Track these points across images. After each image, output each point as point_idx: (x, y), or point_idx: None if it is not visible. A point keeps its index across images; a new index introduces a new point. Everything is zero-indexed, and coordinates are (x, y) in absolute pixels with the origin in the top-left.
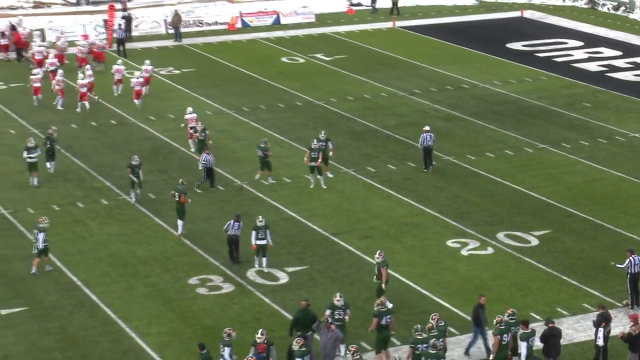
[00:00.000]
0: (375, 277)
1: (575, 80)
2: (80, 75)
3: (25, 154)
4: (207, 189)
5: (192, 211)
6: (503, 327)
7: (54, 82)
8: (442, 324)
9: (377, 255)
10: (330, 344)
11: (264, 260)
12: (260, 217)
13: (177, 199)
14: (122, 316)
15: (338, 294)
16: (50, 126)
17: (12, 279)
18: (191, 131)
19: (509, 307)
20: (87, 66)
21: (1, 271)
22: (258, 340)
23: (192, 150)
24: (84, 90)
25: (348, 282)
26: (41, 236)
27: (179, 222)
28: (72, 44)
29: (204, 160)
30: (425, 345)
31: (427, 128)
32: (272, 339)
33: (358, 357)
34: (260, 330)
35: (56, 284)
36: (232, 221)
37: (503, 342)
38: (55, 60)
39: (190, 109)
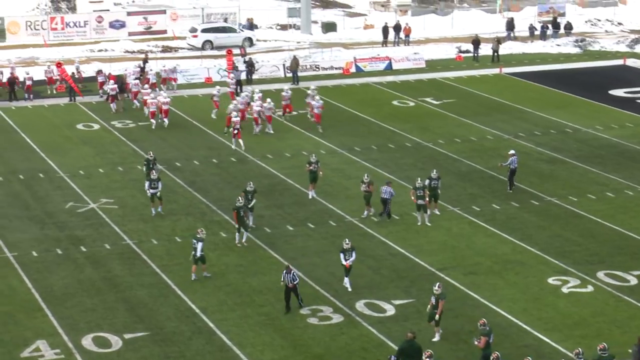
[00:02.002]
0: (431, 306)
1: None
2: (164, 94)
3: (146, 185)
4: (322, 223)
5: (306, 245)
6: (581, 358)
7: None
8: (488, 329)
9: (436, 288)
10: None
11: (346, 279)
12: (347, 239)
13: (241, 214)
14: (237, 343)
15: (428, 352)
16: (175, 163)
17: (135, 305)
18: (235, 132)
19: (609, 343)
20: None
21: (126, 297)
22: None
23: (234, 147)
24: (166, 107)
25: (452, 316)
26: (200, 245)
27: (245, 233)
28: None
29: (383, 193)
30: None
31: (512, 152)
32: None
33: None
34: None
35: (176, 311)
36: (284, 272)
37: None
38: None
39: (235, 112)
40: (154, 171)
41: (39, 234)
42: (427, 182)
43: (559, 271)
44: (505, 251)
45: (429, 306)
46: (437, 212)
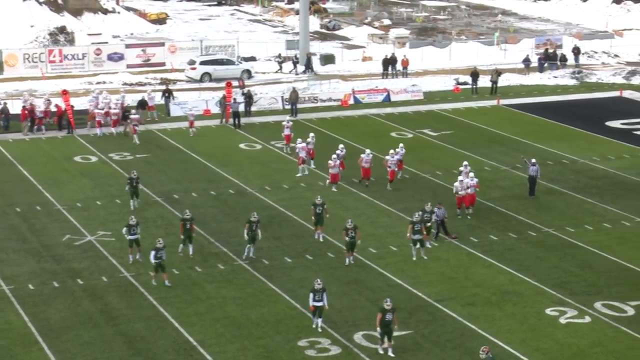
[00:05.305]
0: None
1: None
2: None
3: (124, 231)
4: (320, 255)
5: (304, 277)
6: None
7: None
8: (492, 356)
9: (387, 303)
10: None
11: (319, 320)
12: (318, 280)
13: (187, 227)
14: None
15: None
16: (173, 195)
17: (133, 338)
18: (135, 127)
19: None
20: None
21: (123, 330)
22: None
23: (137, 141)
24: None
25: (450, 347)
26: (154, 253)
27: (190, 247)
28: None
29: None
30: None
31: (533, 160)
32: None
33: None
34: None
35: (174, 344)
36: None
37: None
38: None
39: (132, 110)
40: (132, 217)
41: (35, 267)
42: (420, 214)
43: (557, 302)
44: (503, 282)
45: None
46: (428, 245)
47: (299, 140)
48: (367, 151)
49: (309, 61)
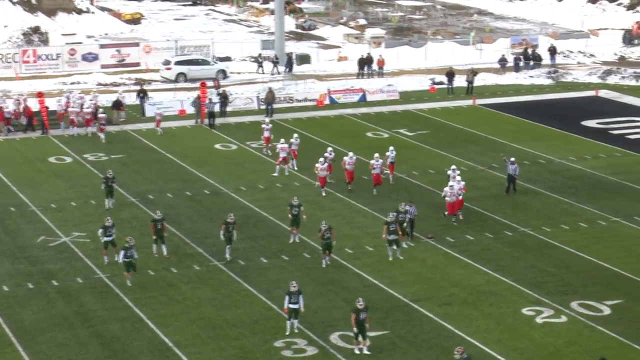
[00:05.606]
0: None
1: None
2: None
3: (100, 232)
4: (296, 255)
5: (280, 277)
6: None
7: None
8: (467, 356)
9: (360, 303)
10: None
11: (295, 322)
12: (294, 282)
13: (159, 227)
14: None
15: None
16: (148, 196)
17: (108, 339)
18: (102, 126)
19: None
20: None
21: (98, 332)
22: None
23: (104, 140)
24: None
25: (427, 347)
26: (124, 253)
27: (164, 247)
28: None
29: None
30: None
31: (512, 159)
32: None
33: None
34: None
35: (149, 345)
36: None
37: None
38: None
39: (101, 109)
40: (108, 218)
41: (10, 269)
42: (395, 214)
43: (533, 302)
44: (480, 282)
45: (355, 327)
46: (405, 245)
47: (282, 140)
48: (350, 154)
49: (290, 61)
